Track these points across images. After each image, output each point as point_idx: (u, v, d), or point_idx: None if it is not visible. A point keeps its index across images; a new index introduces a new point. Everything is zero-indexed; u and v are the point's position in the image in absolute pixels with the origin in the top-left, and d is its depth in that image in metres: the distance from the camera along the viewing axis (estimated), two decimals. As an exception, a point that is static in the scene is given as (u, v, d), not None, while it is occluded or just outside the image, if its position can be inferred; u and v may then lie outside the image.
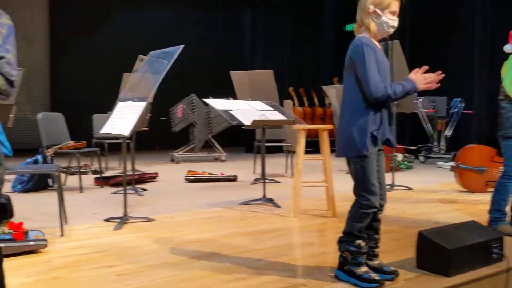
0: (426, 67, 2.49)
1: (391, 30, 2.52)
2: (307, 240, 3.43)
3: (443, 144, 9.12)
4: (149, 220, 3.90)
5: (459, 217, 4.13)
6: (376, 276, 2.45)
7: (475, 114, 9.17)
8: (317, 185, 4.25)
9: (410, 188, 5.70)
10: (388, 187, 5.72)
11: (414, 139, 9.52)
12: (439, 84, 2.52)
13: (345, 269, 2.52)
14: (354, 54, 2.46)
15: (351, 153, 2.50)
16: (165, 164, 8.46)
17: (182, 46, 3.94)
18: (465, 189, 5.50)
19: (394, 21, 2.50)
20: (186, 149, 8.96)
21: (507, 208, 3.62)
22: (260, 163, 6.40)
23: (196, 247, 3.14)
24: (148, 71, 4.45)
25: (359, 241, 2.49)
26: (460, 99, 8.90)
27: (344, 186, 5.11)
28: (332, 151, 3.27)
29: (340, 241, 2.56)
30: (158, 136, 9.58)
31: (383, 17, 2.48)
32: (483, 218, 3.93)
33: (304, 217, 4.09)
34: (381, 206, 2.56)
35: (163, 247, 3.14)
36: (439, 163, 8.40)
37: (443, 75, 2.48)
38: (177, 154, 8.77)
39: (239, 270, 2.68)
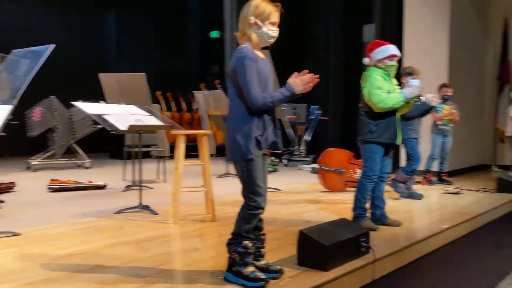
0: (306, 71, 2.64)
1: (272, 40, 2.67)
2: (192, 246, 3.44)
3: (303, 148, 9.81)
4: (14, 234, 3.56)
5: (325, 216, 4.50)
6: (262, 275, 2.56)
7: (330, 121, 10.04)
8: (197, 190, 4.29)
9: (279, 190, 6.05)
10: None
11: (278, 143, 10.08)
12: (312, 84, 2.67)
13: (233, 270, 2.60)
14: (236, 66, 2.57)
15: (237, 158, 2.60)
16: (21, 172, 7.76)
17: (53, 46, 3.70)
18: (327, 189, 6.01)
19: (274, 32, 2.64)
20: (45, 155, 8.30)
21: (367, 205, 4.05)
22: (130, 169, 6.25)
23: (76, 260, 2.96)
24: (9, 71, 4.09)
25: (246, 242, 2.59)
26: (317, 106, 9.68)
27: (220, 191, 5.28)
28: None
29: (229, 243, 2.64)
30: (8, 141, 8.74)
31: (263, 28, 2.60)
32: (346, 215, 4.35)
33: (184, 223, 4.10)
34: (263, 208, 2.71)
35: (38, 262, 2.89)
36: (301, 165, 9.02)
37: (317, 76, 2.62)
38: (35, 161, 8.09)
39: (127, 280, 2.60)
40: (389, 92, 3.88)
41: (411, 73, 5.45)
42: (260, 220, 2.74)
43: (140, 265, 2.87)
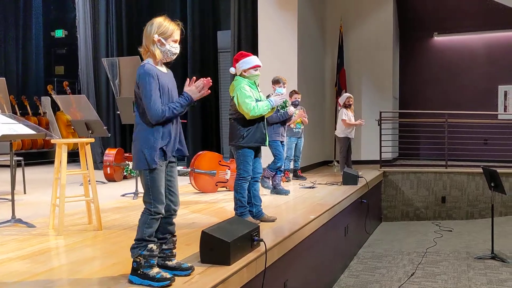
0: (194, 78, 2.89)
1: (174, 57, 2.89)
2: (89, 255, 3.43)
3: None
4: None
5: (208, 216, 4.79)
6: (168, 275, 2.74)
7: (189, 124, 10.30)
8: (81, 200, 4.22)
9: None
10: (132, 195, 6.05)
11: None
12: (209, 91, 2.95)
13: (138, 273, 2.73)
14: (139, 80, 2.74)
15: (143, 167, 2.75)
16: None
17: None
18: (199, 191, 6.29)
19: (176, 49, 2.86)
20: None
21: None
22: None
23: (-30, 282, 2.78)
24: None
25: (151, 245, 2.75)
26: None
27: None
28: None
29: (133, 248, 2.78)
30: None
31: (166, 46, 2.80)
32: (226, 214, 4.71)
33: (68, 234, 4.01)
34: (175, 211, 2.92)
35: None
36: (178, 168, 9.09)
37: (209, 79, 2.89)
38: None
39: (39, 294, 2.57)
40: (257, 100, 4.30)
41: (278, 82, 6.05)
42: (173, 224, 2.92)
43: (46, 278, 2.83)
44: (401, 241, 7.27)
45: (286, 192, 6.13)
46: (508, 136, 9.12)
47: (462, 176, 8.71)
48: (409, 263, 6.05)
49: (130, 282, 2.74)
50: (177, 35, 2.85)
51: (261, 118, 4.37)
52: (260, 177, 6.03)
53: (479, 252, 6.37)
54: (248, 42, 9.07)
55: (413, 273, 5.65)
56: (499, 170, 6.33)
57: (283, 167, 6.41)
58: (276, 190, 6.16)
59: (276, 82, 6.13)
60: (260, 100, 4.33)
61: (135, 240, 2.78)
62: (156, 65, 2.81)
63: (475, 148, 9.38)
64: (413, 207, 8.86)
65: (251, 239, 3.37)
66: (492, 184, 6.16)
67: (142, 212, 2.80)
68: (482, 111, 10.00)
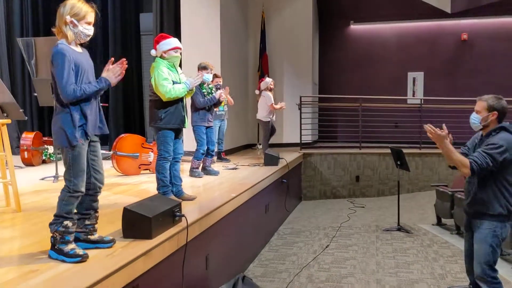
0: (112, 59, 2.98)
1: (87, 38, 2.94)
2: (9, 235, 3.42)
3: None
4: None
5: (131, 196, 4.86)
6: (81, 252, 2.81)
7: (111, 107, 10.14)
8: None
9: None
10: (52, 178, 5.96)
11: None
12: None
13: (55, 248, 2.82)
14: (52, 59, 2.80)
15: (64, 144, 2.82)
16: None
17: None
18: (122, 174, 6.30)
19: (89, 30, 2.92)
20: None
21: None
22: None
23: None
24: None
25: (67, 222, 2.83)
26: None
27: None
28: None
29: (51, 224, 2.86)
30: None
31: (79, 27, 2.86)
32: (149, 194, 4.79)
33: (-16, 216, 3.94)
34: (100, 188, 3.02)
35: None
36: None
37: (125, 60, 2.99)
38: None
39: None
40: (174, 82, 4.39)
41: (206, 68, 6.16)
42: (97, 201, 3.03)
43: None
44: (318, 218, 7.73)
45: (215, 173, 6.31)
46: (416, 119, 9.89)
47: (374, 156, 9.36)
48: (325, 237, 6.49)
49: (49, 256, 2.82)
50: (90, 18, 2.90)
51: (180, 100, 4.47)
52: (189, 169, 6.18)
53: (387, 225, 6.96)
54: (171, 25, 9.07)
55: (328, 245, 6.08)
56: (406, 151, 6.93)
57: (215, 149, 6.56)
58: (206, 171, 6.32)
59: (203, 68, 6.24)
60: (179, 83, 4.45)
61: (53, 216, 2.86)
62: (70, 45, 2.86)
63: (387, 131, 10.07)
64: (330, 186, 9.40)
65: (172, 215, 3.53)
66: (398, 162, 6.74)
67: (62, 189, 2.87)
68: (394, 96, 10.75)
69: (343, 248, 5.98)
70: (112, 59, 2.98)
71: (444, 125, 3.46)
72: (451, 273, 4.94)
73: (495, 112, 3.44)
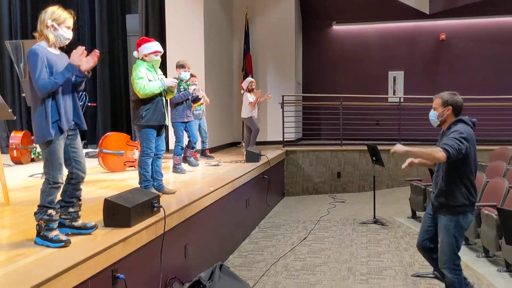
0: (83, 48, 3.15)
1: (67, 41, 3.23)
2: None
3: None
4: None
5: (115, 191, 5.10)
6: (64, 238, 3.08)
7: (99, 106, 10.37)
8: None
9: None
10: (40, 175, 6.19)
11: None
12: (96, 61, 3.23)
13: (41, 235, 3.09)
14: (27, 59, 3.07)
15: (41, 140, 3.09)
16: None
17: None
18: (108, 171, 6.55)
19: (69, 34, 3.21)
20: None
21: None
22: None
23: None
24: None
25: (50, 211, 3.10)
26: (84, 93, 9.89)
27: None
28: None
29: (35, 213, 3.13)
30: None
31: (59, 30, 3.15)
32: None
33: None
34: (82, 178, 3.28)
35: None
36: (87, 151, 9.10)
37: (97, 52, 3.23)
38: None
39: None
40: (150, 81, 4.59)
41: (183, 66, 6.42)
42: (80, 190, 3.30)
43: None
44: (299, 212, 8.03)
45: (195, 164, 6.58)
46: (395, 117, 10.21)
47: (354, 153, 9.67)
48: (303, 230, 6.78)
49: (35, 243, 3.09)
50: (69, 23, 3.20)
51: (159, 99, 4.69)
52: (172, 166, 6.43)
53: (364, 219, 7.27)
54: (156, 26, 9.31)
55: (305, 237, 6.37)
56: (386, 148, 7.23)
57: (196, 145, 6.81)
58: (186, 161, 6.59)
59: (181, 66, 6.49)
60: None
61: (37, 206, 3.13)
62: (49, 47, 3.13)
63: (368, 129, 10.39)
64: (312, 182, 9.70)
65: (151, 206, 3.79)
66: (374, 158, 7.05)
67: (43, 182, 3.15)
68: (376, 94, 11.07)
69: (320, 239, 6.27)
70: (83, 47, 3.16)
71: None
72: (419, 261, 5.24)
73: (449, 107, 3.74)
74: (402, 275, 4.87)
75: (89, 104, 9.91)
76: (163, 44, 7.34)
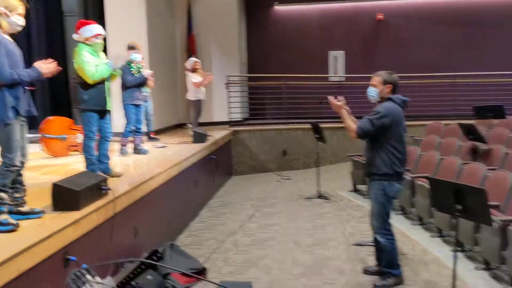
0: (50, 60, 3.31)
1: (19, 28, 3.28)
2: None
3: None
4: None
5: (60, 176, 5.02)
6: (13, 221, 3.09)
7: (37, 90, 9.98)
8: None
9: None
10: None
11: None
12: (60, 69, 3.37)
13: None
14: None
15: None
16: None
17: None
18: (51, 155, 6.41)
19: (21, 21, 3.26)
20: None
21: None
22: None
23: None
24: None
25: (2, 194, 3.12)
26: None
27: None
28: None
29: None
30: None
31: (11, 17, 3.20)
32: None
33: None
34: (23, 163, 3.26)
35: None
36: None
37: (55, 63, 3.34)
38: None
39: None
40: (97, 66, 4.57)
41: (133, 47, 6.33)
42: (22, 175, 3.27)
43: None
44: (247, 191, 8.21)
45: (145, 152, 6.56)
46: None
47: (298, 132, 9.94)
48: (251, 207, 6.97)
49: None
50: (21, 10, 3.26)
51: (102, 82, 4.66)
52: (120, 149, 6.38)
53: (308, 194, 7.55)
54: (95, 6, 9.05)
55: (253, 214, 6.56)
56: (328, 125, 7.53)
57: (142, 129, 6.77)
58: (136, 150, 6.56)
59: (131, 48, 6.41)
60: None
61: None
62: (3, 34, 3.16)
63: (312, 107, 10.67)
64: (259, 161, 9.90)
65: (99, 189, 3.81)
66: (317, 136, 7.31)
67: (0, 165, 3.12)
68: (317, 74, 11.34)
69: (268, 215, 6.49)
70: (55, 62, 3.34)
71: (341, 96, 4.01)
72: (360, 231, 5.56)
73: (390, 85, 3.99)
74: (344, 245, 5.16)
75: (27, 88, 9.56)
76: (103, 25, 7.18)
